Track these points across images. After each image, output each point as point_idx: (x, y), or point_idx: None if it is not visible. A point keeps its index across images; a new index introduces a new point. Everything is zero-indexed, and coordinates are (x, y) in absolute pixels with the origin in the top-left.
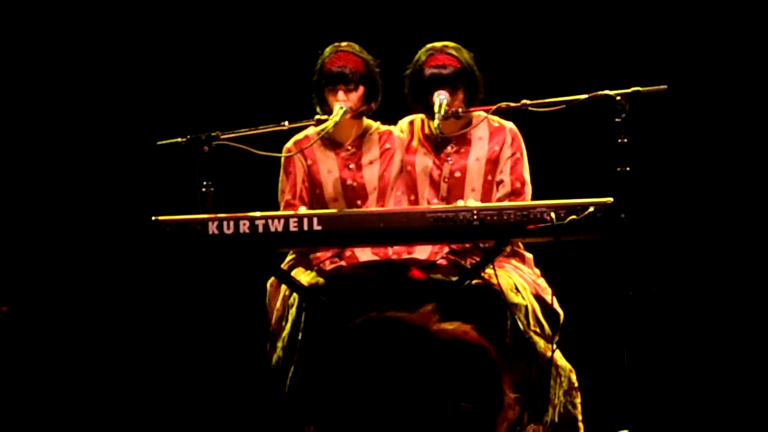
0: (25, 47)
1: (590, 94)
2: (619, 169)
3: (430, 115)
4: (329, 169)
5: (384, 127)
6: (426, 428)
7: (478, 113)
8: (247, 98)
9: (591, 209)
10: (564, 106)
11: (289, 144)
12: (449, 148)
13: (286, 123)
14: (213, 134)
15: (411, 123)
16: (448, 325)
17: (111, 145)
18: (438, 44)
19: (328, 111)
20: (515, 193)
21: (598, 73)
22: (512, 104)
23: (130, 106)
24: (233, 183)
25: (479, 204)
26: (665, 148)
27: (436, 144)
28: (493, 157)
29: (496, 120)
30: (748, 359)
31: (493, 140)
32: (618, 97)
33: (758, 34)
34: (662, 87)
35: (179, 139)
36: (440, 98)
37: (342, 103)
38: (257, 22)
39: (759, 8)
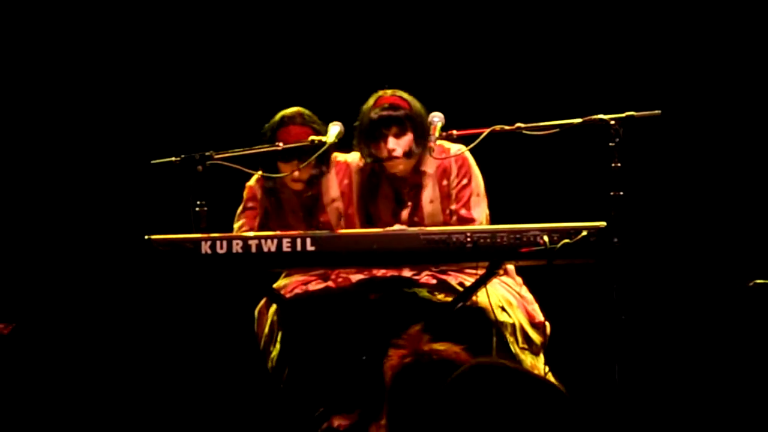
0: (20, 63)
1: (584, 119)
2: (612, 193)
3: (374, 158)
4: (293, 208)
5: (342, 157)
6: None
7: (436, 137)
8: (242, 118)
9: (584, 233)
10: (558, 129)
11: (252, 182)
12: (406, 190)
13: (281, 144)
14: (207, 154)
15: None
16: (440, 346)
17: (105, 164)
18: (387, 90)
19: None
20: (463, 222)
21: (592, 97)
22: (506, 127)
23: (125, 125)
24: (227, 203)
25: (473, 227)
26: (659, 172)
27: (392, 181)
28: (444, 192)
29: (442, 147)
30: (740, 381)
31: (441, 175)
32: (612, 122)
33: (751, 59)
34: (656, 112)
35: (173, 159)
36: (435, 120)
37: (334, 126)
38: (253, 43)
39: (752, 34)
